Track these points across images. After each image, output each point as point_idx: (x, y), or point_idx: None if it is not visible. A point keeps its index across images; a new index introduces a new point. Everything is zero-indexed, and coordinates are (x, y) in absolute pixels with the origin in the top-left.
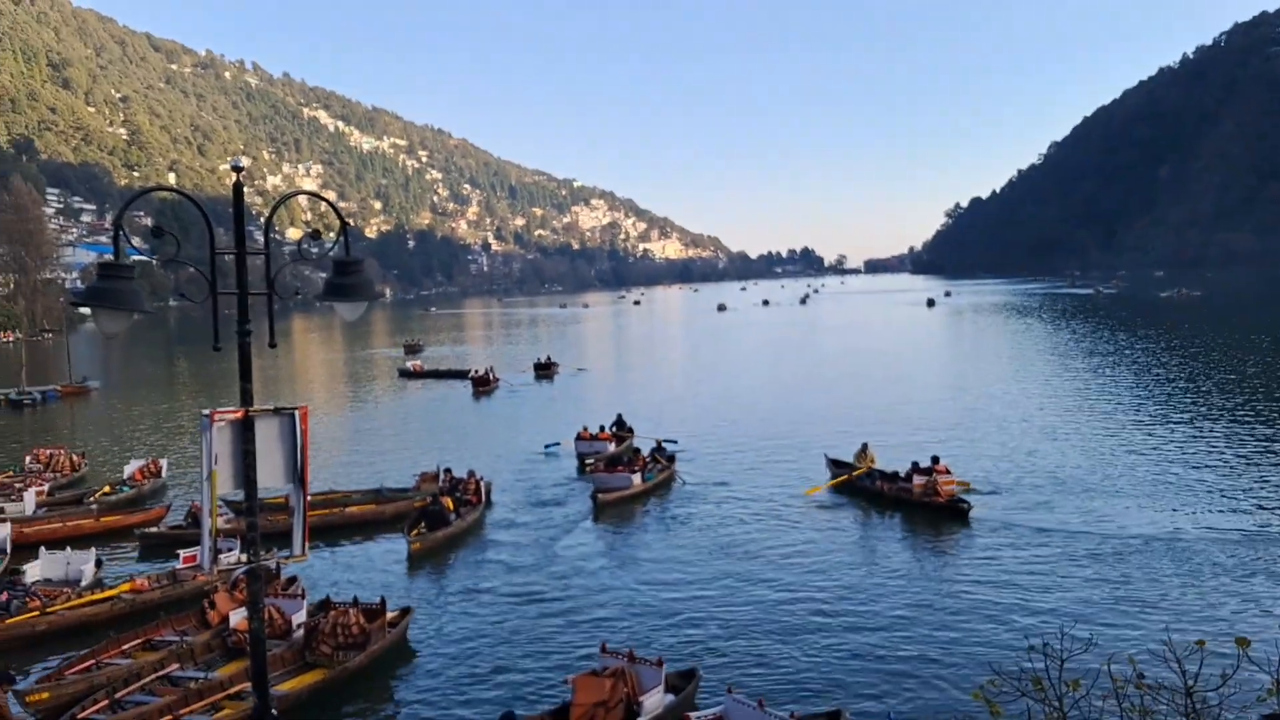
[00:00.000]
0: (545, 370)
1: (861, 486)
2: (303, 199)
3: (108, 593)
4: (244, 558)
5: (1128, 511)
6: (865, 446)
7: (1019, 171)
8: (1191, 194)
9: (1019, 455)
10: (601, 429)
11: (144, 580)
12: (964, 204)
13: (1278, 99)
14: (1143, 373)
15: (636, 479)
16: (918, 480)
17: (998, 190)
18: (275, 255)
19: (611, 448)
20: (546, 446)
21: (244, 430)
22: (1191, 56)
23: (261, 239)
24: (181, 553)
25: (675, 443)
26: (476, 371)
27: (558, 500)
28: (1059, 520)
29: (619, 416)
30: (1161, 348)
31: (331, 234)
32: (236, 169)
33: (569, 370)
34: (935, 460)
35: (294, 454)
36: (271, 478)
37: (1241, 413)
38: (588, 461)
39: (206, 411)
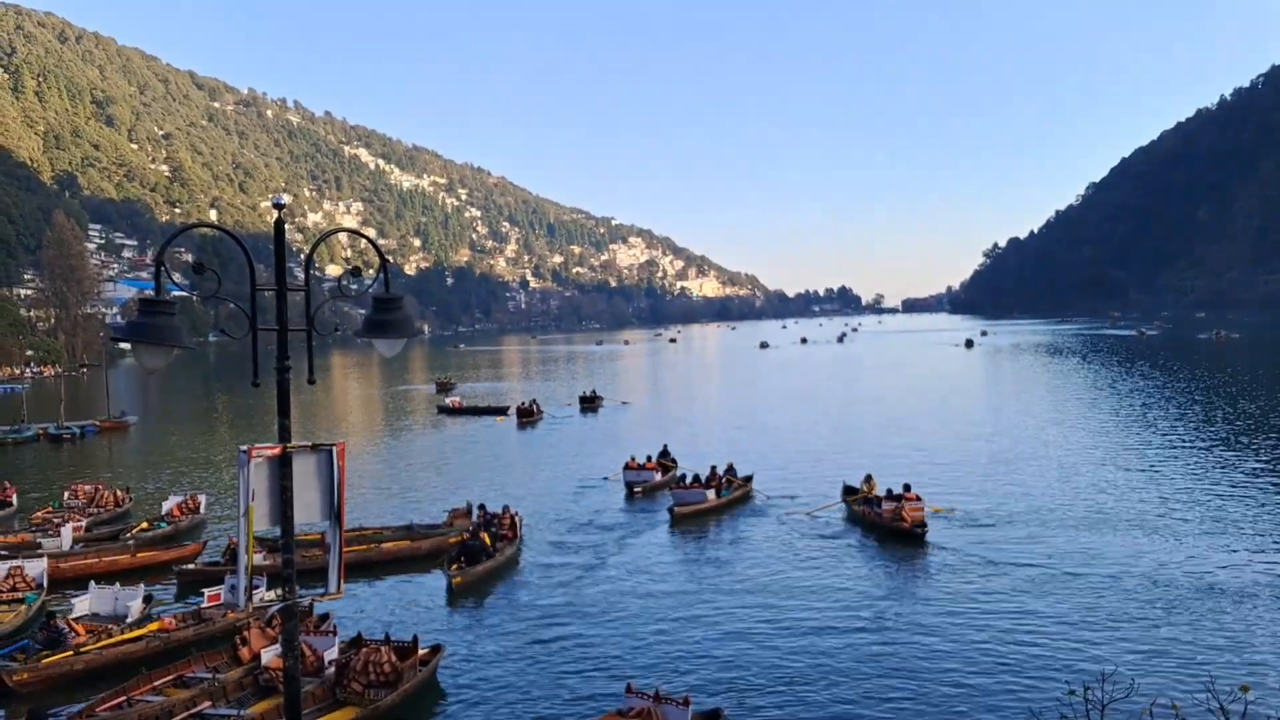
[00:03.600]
0: (590, 403)
1: (853, 512)
2: (343, 236)
3: (138, 631)
4: (276, 594)
5: (1159, 551)
6: (869, 477)
7: (1057, 212)
8: (1230, 235)
9: (1056, 492)
10: (649, 459)
11: (171, 620)
12: (1002, 244)
13: None
14: (1182, 414)
15: (711, 494)
16: (887, 506)
17: (1036, 230)
18: (315, 292)
19: (658, 477)
20: (605, 479)
21: (281, 466)
22: (1229, 99)
23: (302, 276)
24: (206, 591)
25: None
26: (522, 404)
27: (595, 533)
28: (1093, 559)
29: (664, 447)
30: (1201, 389)
31: (371, 271)
32: (278, 205)
33: (613, 403)
34: (906, 488)
35: (331, 491)
36: (308, 514)
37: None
38: (635, 489)
39: (244, 447)
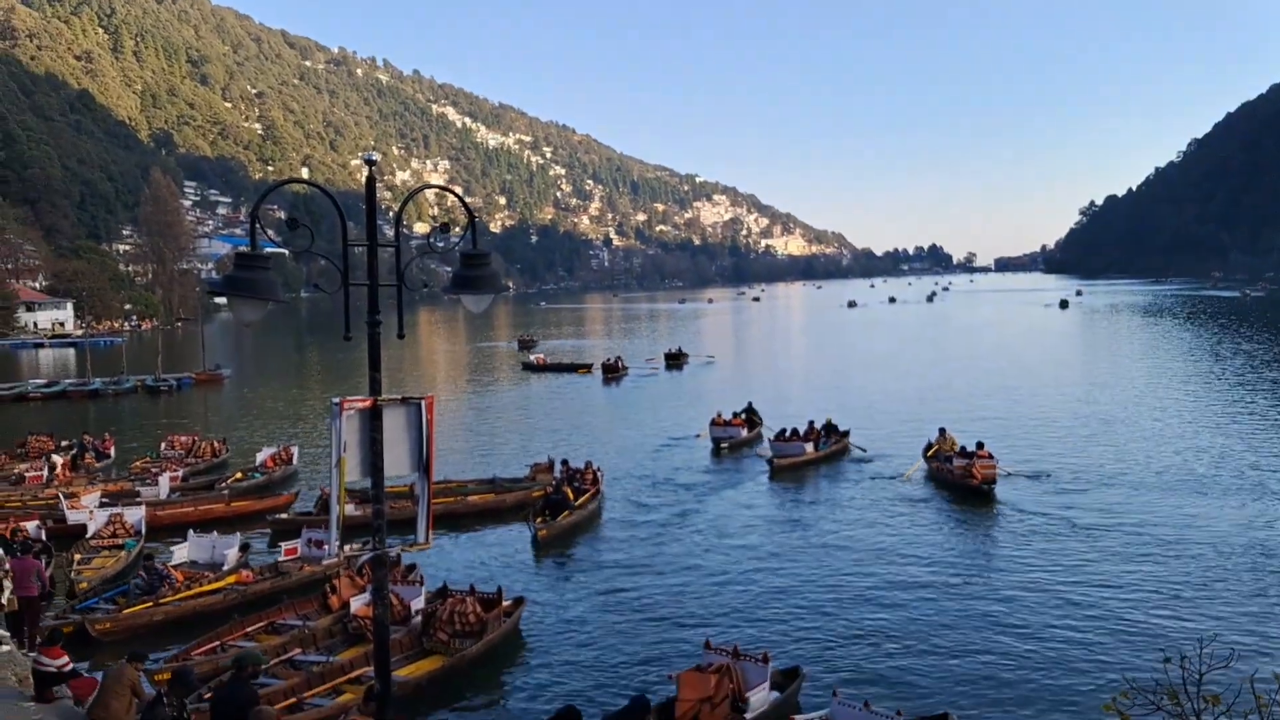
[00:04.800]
0: (676, 360)
1: (931, 469)
2: (430, 194)
3: (217, 584)
4: (364, 545)
5: (1258, 519)
6: (943, 431)
7: (1156, 169)
8: None
9: (1149, 457)
10: (735, 414)
11: (248, 573)
12: (1099, 202)
13: None
14: (1271, 378)
15: (809, 447)
16: (958, 462)
17: (1134, 188)
18: (404, 248)
19: (744, 433)
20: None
21: (372, 419)
22: None
23: (391, 233)
24: (284, 545)
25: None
26: (607, 360)
27: (678, 488)
28: (1187, 526)
29: (749, 404)
30: None
31: (458, 229)
32: (369, 162)
33: (698, 360)
34: (980, 445)
35: (420, 443)
36: (397, 466)
37: None
38: (723, 445)
39: (336, 400)
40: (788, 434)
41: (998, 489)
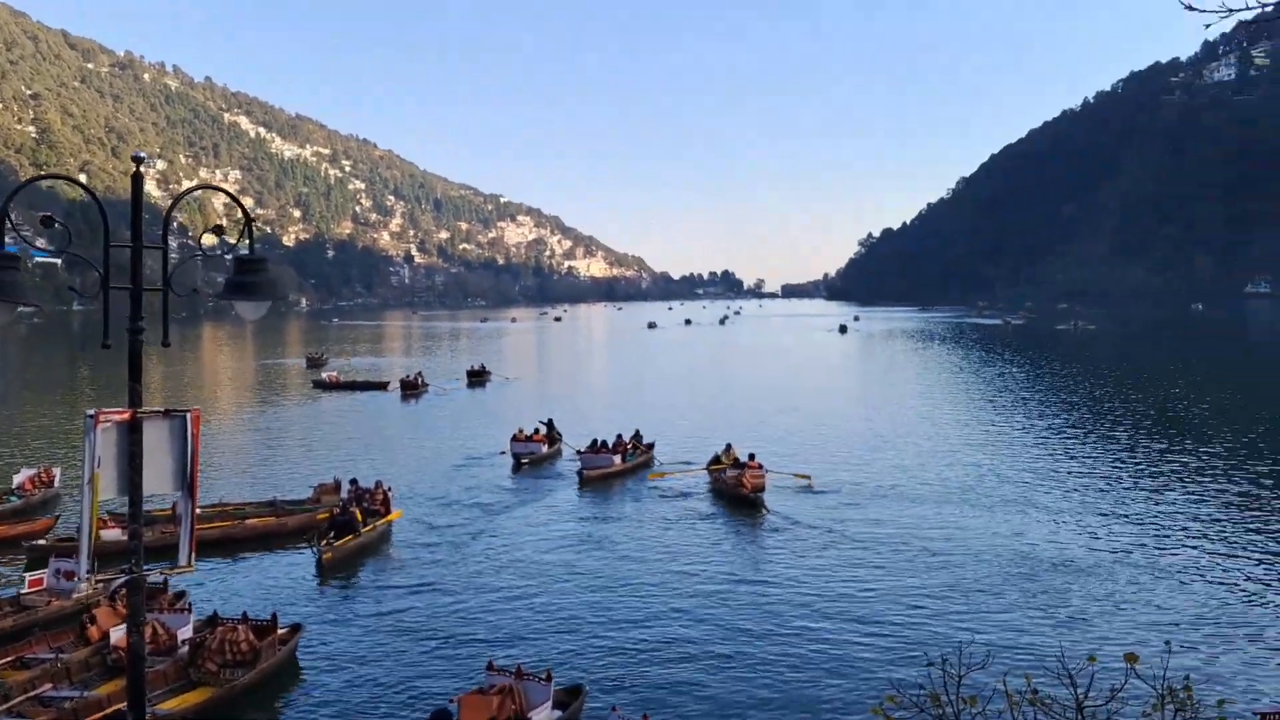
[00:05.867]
0: (478, 377)
1: (714, 479)
2: (218, 207)
3: None
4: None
5: (1014, 529)
6: (729, 446)
7: (928, 204)
8: (1093, 232)
9: (915, 471)
10: (536, 430)
11: None
12: (876, 234)
13: (1171, 145)
14: (1039, 400)
15: (618, 459)
16: (731, 473)
17: (908, 222)
18: (181, 255)
19: (544, 449)
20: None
21: (131, 432)
22: (1092, 101)
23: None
24: (28, 576)
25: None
26: (405, 377)
27: (475, 507)
28: (949, 536)
29: (550, 420)
30: (1058, 376)
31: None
32: (137, 160)
33: (501, 378)
34: (751, 457)
35: (184, 459)
36: (159, 484)
37: (1128, 439)
38: (523, 461)
39: (91, 411)
40: (598, 445)
41: (778, 501)
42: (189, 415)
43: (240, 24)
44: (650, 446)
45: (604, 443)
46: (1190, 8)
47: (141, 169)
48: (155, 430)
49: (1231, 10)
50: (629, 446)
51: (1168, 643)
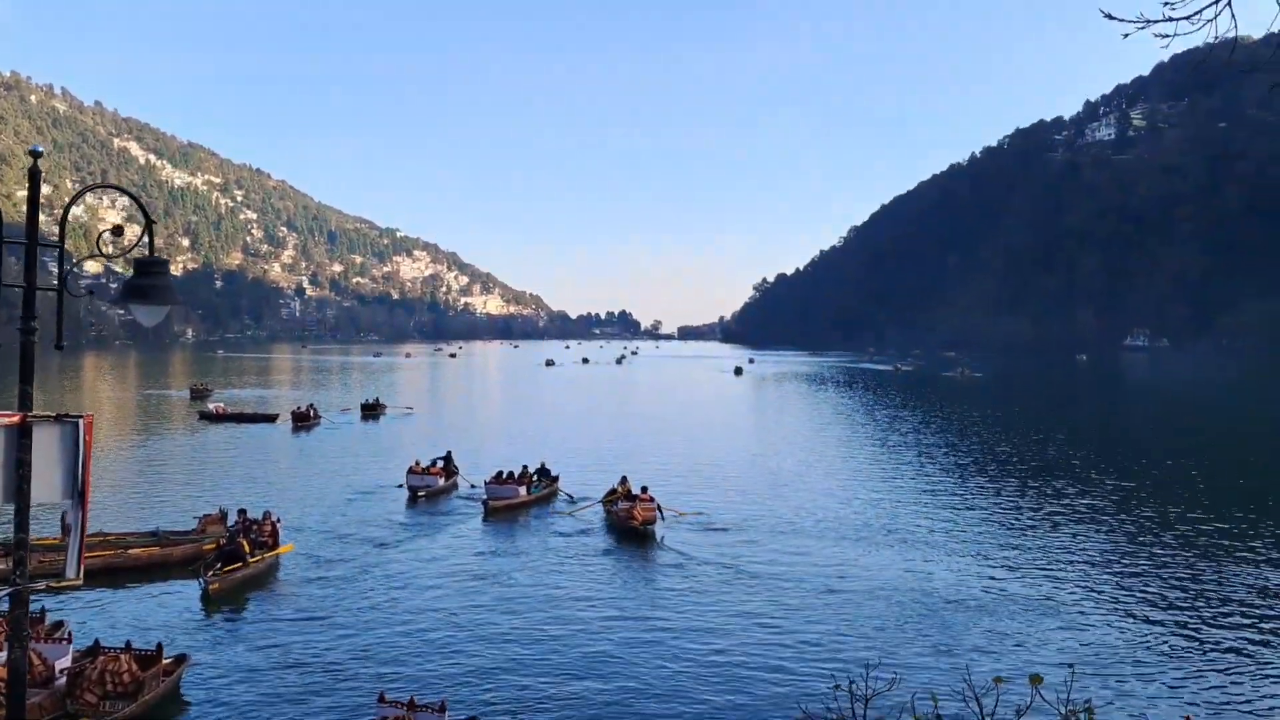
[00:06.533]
0: (372, 410)
1: (608, 512)
2: (108, 234)
3: None
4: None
5: (910, 566)
6: (624, 478)
7: (821, 252)
8: (977, 282)
9: (807, 508)
10: (433, 463)
11: None
12: (770, 279)
13: (1051, 199)
14: (926, 443)
15: (523, 490)
16: (623, 505)
17: (801, 268)
18: (73, 285)
19: (441, 482)
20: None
21: (20, 437)
22: (979, 156)
23: (55, 267)
24: None
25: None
26: (297, 409)
27: (366, 540)
28: (844, 571)
29: (448, 453)
30: (944, 420)
31: (130, 241)
32: (34, 154)
33: (396, 412)
34: (644, 489)
35: (75, 467)
36: (48, 491)
37: (1016, 481)
38: (420, 494)
39: None
40: (504, 476)
41: (675, 537)
42: (82, 421)
43: (135, 48)
44: (555, 479)
45: (510, 474)
46: (1110, 16)
47: (37, 162)
48: (46, 436)
49: (1150, 21)
50: (534, 479)
51: (1071, 667)
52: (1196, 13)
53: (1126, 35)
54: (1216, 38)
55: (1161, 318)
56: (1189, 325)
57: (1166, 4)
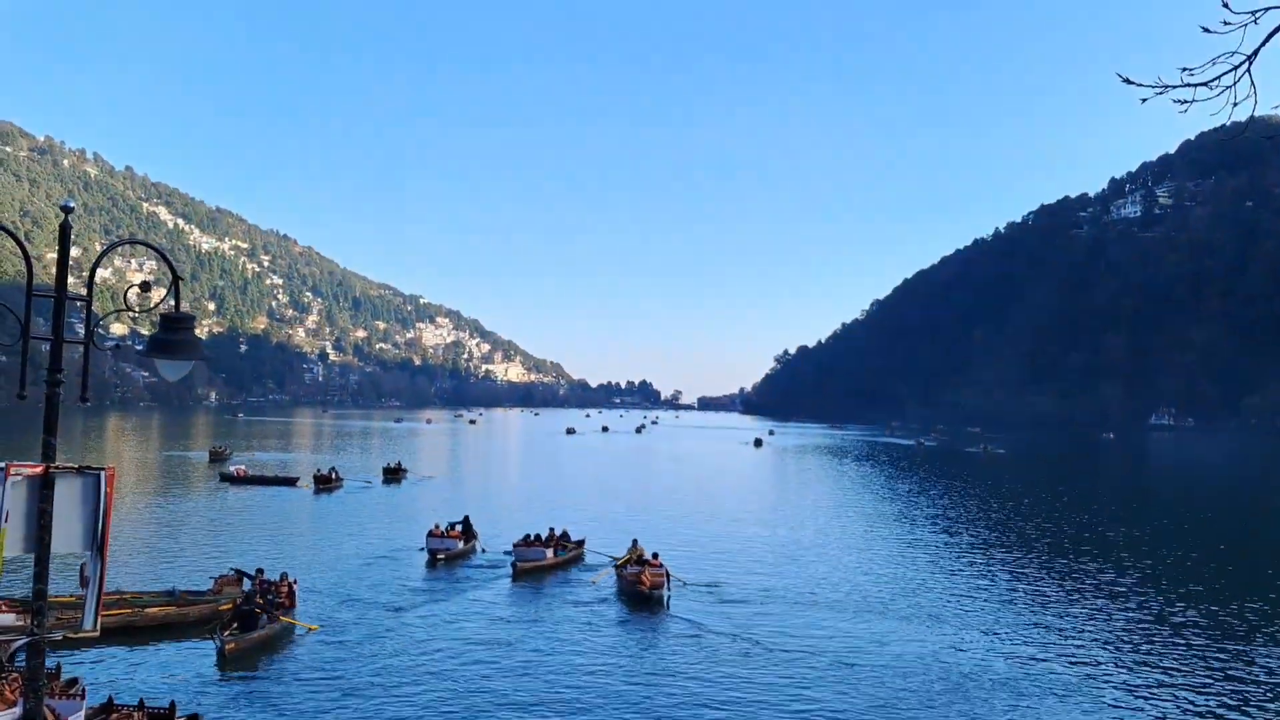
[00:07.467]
0: (394, 474)
1: (618, 575)
2: (131, 298)
3: None
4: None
5: (929, 642)
6: (634, 542)
7: (843, 324)
8: (1001, 357)
9: (829, 580)
10: (452, 526)
11: None
12: (791, 351)
13: (1077, 275)
14: (947, 519)
15: (550, 553)
16: (632, 570)
17: (823, 340)
18: (99, 341)
19: (460, 545)
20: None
21: (42, 488)
22: (1003, 231)
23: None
24: None
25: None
26: (319, 472)
27: (384, 603)
28: (861, 645)
29: (466, 518)
30: (967, 497)
31: (161, 291)
32: (66, 209)
33: (417, 476)
34: (655, 555)
35: (96, 519)
36: (69, 542)
37: (1039, 560)
38: (439, 557)
39: (1, 464)
40: (531, 539)
41: (689, 606)
42: (103, 474)
43: (165, 113)
44: (580, 543)
45: (537, 536)
46: (1128, 81)
47: (68, 218)
48: (68, 487)
49: (1168, 86)
50: (559, 541)
51: None
52: (1215, 79)
53: (1145, 100)
54: (1235, 104)
55: (1188, 396)
56: (1215, 404)
57: (1185, 70)
